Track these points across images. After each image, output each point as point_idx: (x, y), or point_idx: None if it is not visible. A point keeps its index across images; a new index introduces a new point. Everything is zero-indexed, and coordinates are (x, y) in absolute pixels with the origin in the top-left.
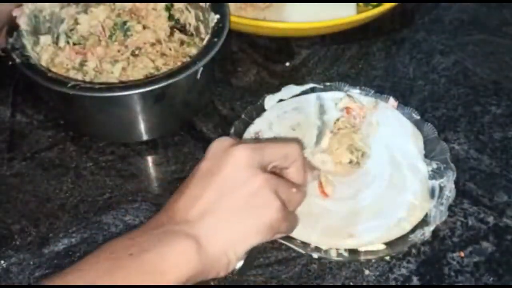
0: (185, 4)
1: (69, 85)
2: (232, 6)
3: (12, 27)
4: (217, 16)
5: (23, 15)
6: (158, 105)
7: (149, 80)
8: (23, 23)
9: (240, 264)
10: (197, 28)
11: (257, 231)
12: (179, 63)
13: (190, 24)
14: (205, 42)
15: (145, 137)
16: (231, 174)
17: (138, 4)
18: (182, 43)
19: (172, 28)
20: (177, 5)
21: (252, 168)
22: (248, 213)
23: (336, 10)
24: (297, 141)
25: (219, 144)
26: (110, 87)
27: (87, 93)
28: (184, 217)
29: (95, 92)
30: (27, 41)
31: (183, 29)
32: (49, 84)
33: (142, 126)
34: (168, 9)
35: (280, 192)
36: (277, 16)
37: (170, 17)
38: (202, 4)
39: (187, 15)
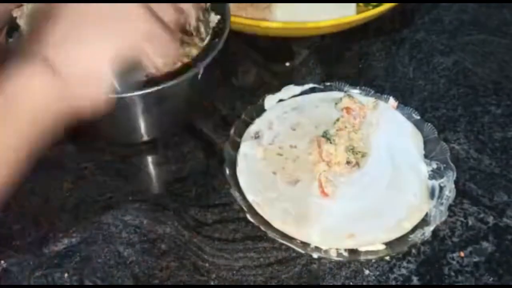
0: None
1: None
2: (232, 6)
3: (12, 27)
4: (218, 16)
5: (24, 15)
6: (158, 106)
7: (149, 81)
8: (24, 24)
9: (117, 84)
10: (197, 28)
11: (122, 42)
12: (178, 63)
13: (190, 24)
14: (205, 42)
15: (145, 138)
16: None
17: None
18: (182, 42)
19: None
20: None
21: None
22: (112, 24)
23: (336, 10)
24: None
25: None
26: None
27: None
28: (36, 37)
29: None
30: None
31: (183, 28)
32: None
33: (142, 127)
34: None
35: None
36: (277, 16)
37: None
38: (203, 4)
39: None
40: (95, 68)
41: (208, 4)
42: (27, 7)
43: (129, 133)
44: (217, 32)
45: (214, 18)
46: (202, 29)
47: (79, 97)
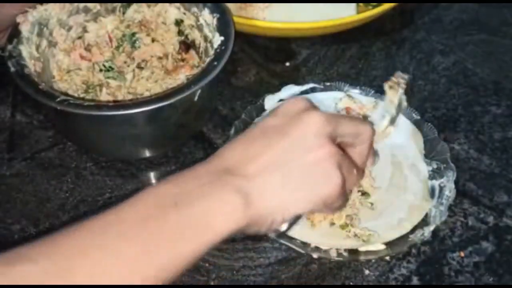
0: (194, 20)
1: (58, 99)
2: (232, 6)
3: (14, 33)
4: (221, 38)
5: (26, 22)
6: (151, 126)
7: (139, 101)
8: (25, 31)
9: (284, 227)
10: (206, 50)
11: (310, 201)
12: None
13: (199, 44)
14: (205, 64)
15: (137, 156)
16: (299, 139)
17: (148, 17)
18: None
19: (184, 43)
20: (186, 22)
21: (322, 137)
22: (306, 182)
23: (336, 10)
24: (371, 123)
25: (293, 105)
26: (99, 105)
27: (75, 110)
28: (239, 171)
29: (83, 110)
30: (26, 49)
31: (192, 44)
32: (38, 97)
33: (132, 145)
34: (177, 24)
35: (343, 168)
36: (277, 16)
37: (180, 33)
38: (210, 23)
39: (197, 34)
40: (284, 211)
41: (215, 24)
42: (31, 14)
43: (119, 150)
44: (218, 54)
45: (218, 39)
46: (210, 51)
47: (255, 226)
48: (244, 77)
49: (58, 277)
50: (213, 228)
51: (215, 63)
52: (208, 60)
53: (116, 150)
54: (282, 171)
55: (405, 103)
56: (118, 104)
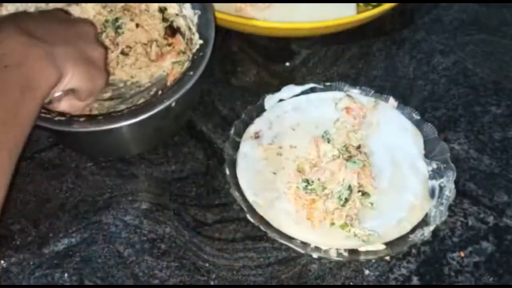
0: (178, 10)
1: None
2: (232, 6)
3: None
4: (201, 41)
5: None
6: (129, 134)
7: (113, 116)
8: None
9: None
10: (191, 39)
11: (77, 55)
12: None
13: (185, 31)
14: (184, 67)
15: (134, 152)
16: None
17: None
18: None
19: (170, 27)
20: (170, 10)
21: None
22: (79, 45)
23: (336, 10)
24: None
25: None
26: (69, 121)
27: (44, 124)
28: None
29: (55, 125)
30: None
31: (178, 30)
32: None
33: (129, 148)
34: (161, 11)
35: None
36: (277, 16)
37: (164, 20)
38: (191, 19)
39: (182, 22)
40: (64, 59)
41: (195, 21)
42: (5, 8)
43: (117, 152)
44: (195, 61)
45: (197, 43)
46: (196, 40)
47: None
48: (244, 77)
49: None
50: (38, 85)
51: (191, 73)
52: (186, 65)
53: (96, 151)
54: (61, 38)
55: None
56: (89, 120)
